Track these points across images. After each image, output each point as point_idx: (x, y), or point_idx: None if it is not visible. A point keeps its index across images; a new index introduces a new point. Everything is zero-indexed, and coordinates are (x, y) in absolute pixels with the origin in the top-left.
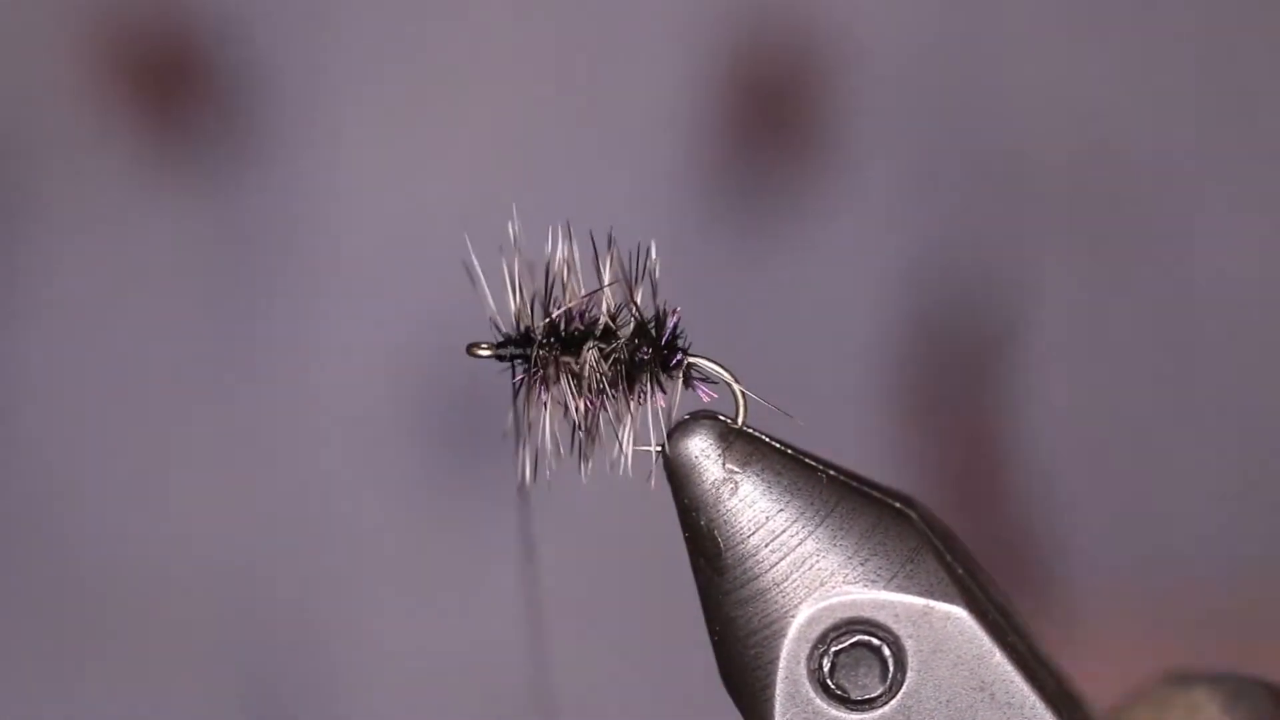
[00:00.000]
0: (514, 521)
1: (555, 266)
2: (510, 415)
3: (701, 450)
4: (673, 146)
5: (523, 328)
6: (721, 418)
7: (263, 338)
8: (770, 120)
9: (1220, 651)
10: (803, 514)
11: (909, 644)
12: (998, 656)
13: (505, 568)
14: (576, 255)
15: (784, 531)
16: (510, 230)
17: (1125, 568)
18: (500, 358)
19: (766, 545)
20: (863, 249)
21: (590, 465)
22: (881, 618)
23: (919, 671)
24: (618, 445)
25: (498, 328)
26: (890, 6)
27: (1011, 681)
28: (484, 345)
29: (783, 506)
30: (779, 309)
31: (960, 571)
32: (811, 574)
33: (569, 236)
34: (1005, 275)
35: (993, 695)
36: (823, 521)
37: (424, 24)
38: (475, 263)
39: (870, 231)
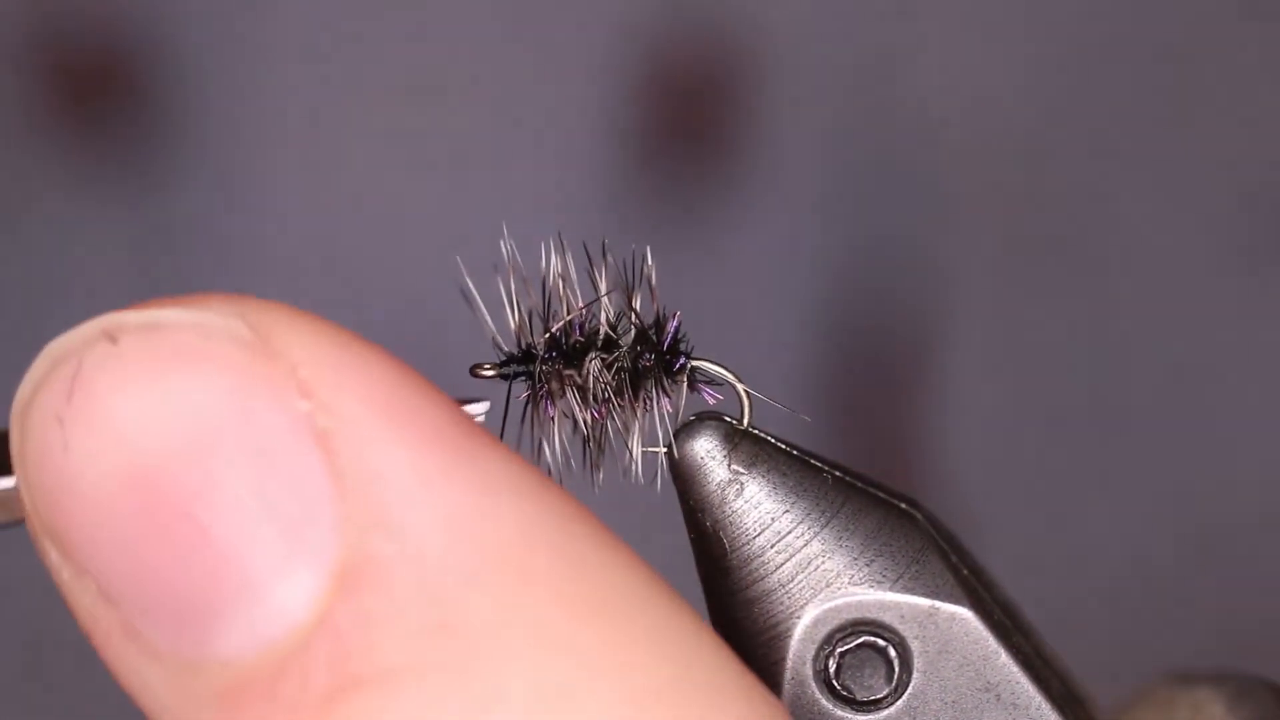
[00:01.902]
0: None
1: (550, 280)
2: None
3: (707, 451)
4: (590, 154)
5: (524, 345)
6: (727, 419)
7: None
8: (691, 124)
9: (1131, 643)
10: (808, 515)
11: (915, 645)
12: (1003, 657)
13: None
14: (571, 266)
15: (790, 532)
16: (503, 249)
17: (1036, 569)
18: (504, 377)
19: (772, 546)
20: (782, 254)
21: (602, 474)
22: (887, 619)
23: (925, 672)
24: (628, 452)
25: (499, 347)
26: (812, 13)
27: (1017, 682)
28: (487, 366)
29: (788, 507)
30: (696, 311)
31: (965, 572)
32: (817, 575)
33: (562, 249)
34: (925, 281)
35: (998, 696)
36: (828, 522)
37: (350, 33)
38: (470, 285)
39: (789, 237)
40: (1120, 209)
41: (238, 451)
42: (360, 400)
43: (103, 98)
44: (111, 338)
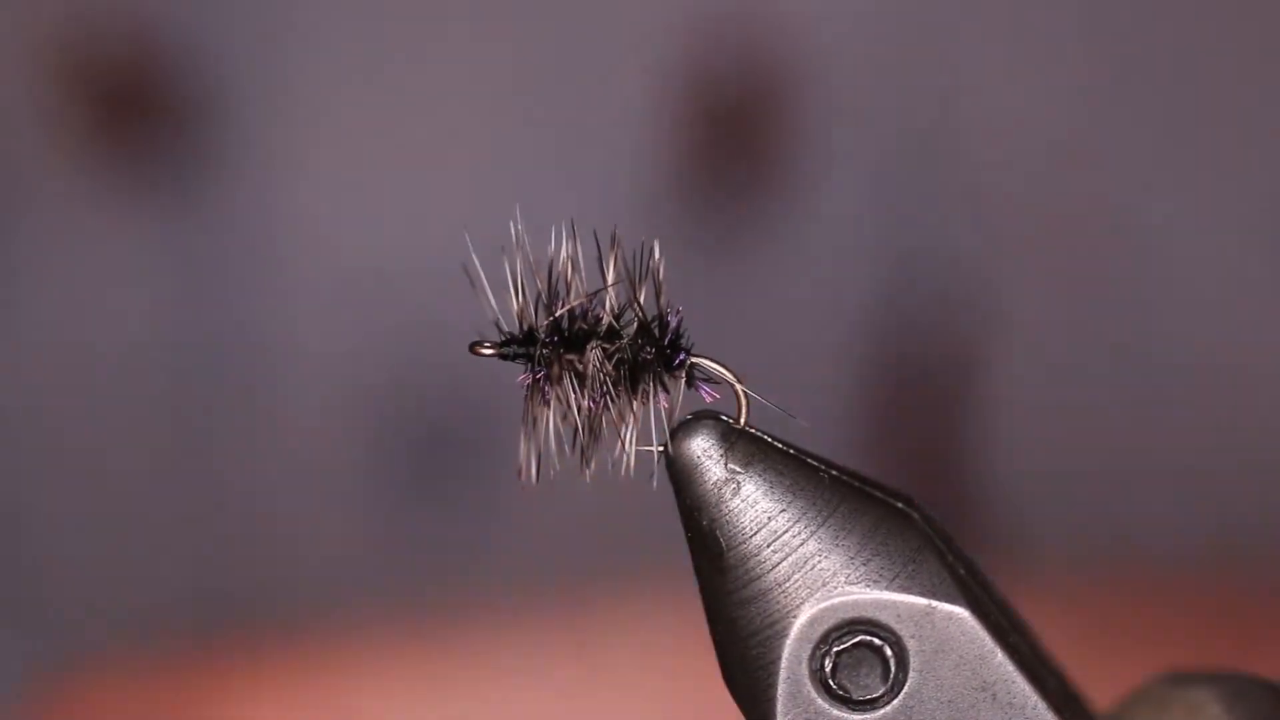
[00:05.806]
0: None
1: (559, 265)
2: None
3: (704, 450)
4: (634, 169)
5: (525, 327)
6: (724, 418)
7: (224, 357)
8: (733, 141)
9: (1176, 641)
10: (805, 514)
11: (911, 644)
12: (999, 657)
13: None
14: (580, 254)
15: (786, 531)
16: (512, 230)
17: (1082, 586)
18: (504, 356)
19: (768, 545)
20: (825, 271)
21: (592, 465)
22: (883, 618)
23: (921, 672)
24: (620, 445)
25: (500, 328)
26: (854, 28)
27: (1013, 682)
28: (487, 344)
29: (785, 506)
30: (739, 330)
31: (962, 572)
32: (813, 574)
33: (573, 235)
34: (968, 297)
35: (994, 695)
36: (825, 521)
37: (384, 48)
38: (476, 262)
39: (833, 254)
40: (1170, 221)
41: None
42: None
43: (135, 116)
44: None
